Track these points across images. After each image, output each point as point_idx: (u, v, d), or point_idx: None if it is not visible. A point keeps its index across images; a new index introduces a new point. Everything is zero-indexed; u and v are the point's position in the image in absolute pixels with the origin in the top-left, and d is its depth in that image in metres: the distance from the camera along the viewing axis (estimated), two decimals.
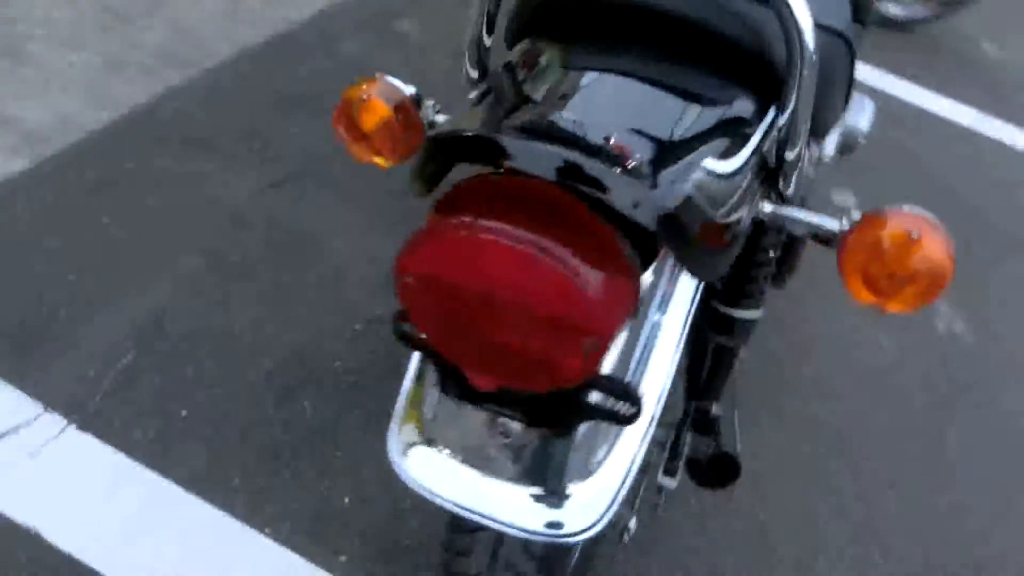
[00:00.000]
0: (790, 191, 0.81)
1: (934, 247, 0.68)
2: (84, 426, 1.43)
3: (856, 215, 0.72)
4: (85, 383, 1.49)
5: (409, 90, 0.82)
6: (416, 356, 0.78)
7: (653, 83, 0.75)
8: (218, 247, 1.81)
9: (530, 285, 0.58)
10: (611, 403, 0.67)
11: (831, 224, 0.74)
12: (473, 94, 0.84)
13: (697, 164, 0.67)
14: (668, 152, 0.68)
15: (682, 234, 0.61)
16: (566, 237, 0.58)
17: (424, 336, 0.68)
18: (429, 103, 0.84)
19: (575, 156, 0.59)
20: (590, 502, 0.70)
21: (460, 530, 0.87)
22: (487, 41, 0.81)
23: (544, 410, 0.69)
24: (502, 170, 0.62)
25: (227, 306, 1.69)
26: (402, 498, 1.41)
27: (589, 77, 0.74)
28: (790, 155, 0.77)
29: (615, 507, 0.71)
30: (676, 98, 0.75)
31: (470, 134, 0.62)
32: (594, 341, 0.59)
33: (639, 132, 0.68)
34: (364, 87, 0.81)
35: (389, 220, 1.96)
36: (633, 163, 0.63)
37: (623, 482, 0.71)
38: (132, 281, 1.69)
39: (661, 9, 0.78)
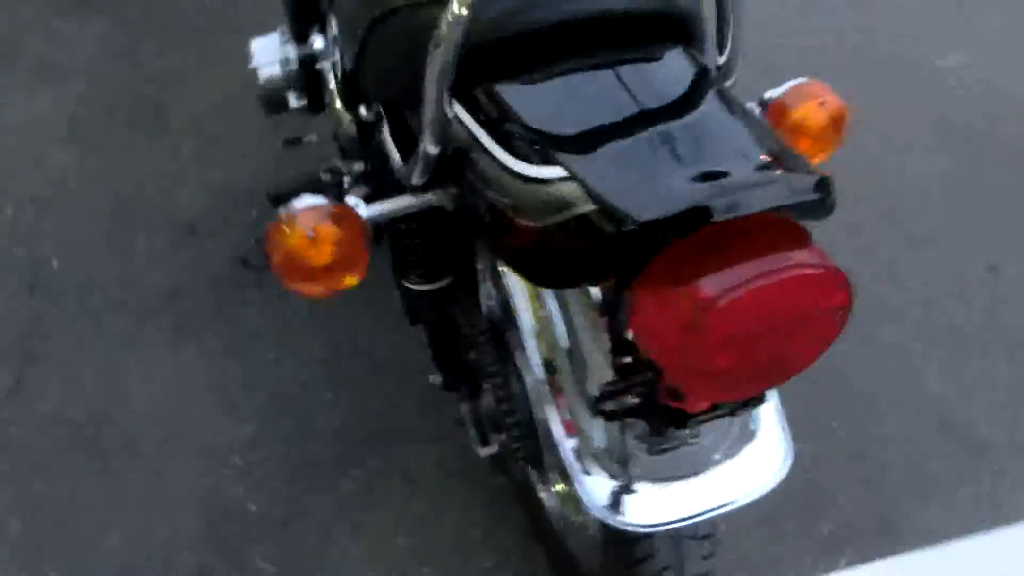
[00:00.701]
0: None
1: None
2: None
3: None
4: None
5: (324, 200, 0.80)
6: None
7: (639, 72, 0.74)
8: None
9: (813, 295, 0.59)
10: None
11: None
12: (415, 176, 0.79)
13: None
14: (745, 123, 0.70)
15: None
16: (788, 244, 0.59)
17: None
18: (352, 200, 0.82)
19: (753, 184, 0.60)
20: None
21: (633, 539, 0.88)
22: (449, 112, 0.74)
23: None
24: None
25: None
26: None
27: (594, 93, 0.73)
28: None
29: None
30: (666, 76, 0.75)
31: (682, 209, 0.57)
32: (847, 310, 0.61)
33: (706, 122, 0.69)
34: (295, 227, 0.78)
35: None
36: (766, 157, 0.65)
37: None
38: None
39: (588, 15, 0.76)
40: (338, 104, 1.17)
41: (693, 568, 0.91)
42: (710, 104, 0.71)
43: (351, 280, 0.81)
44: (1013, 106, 2.18)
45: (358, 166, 1.24)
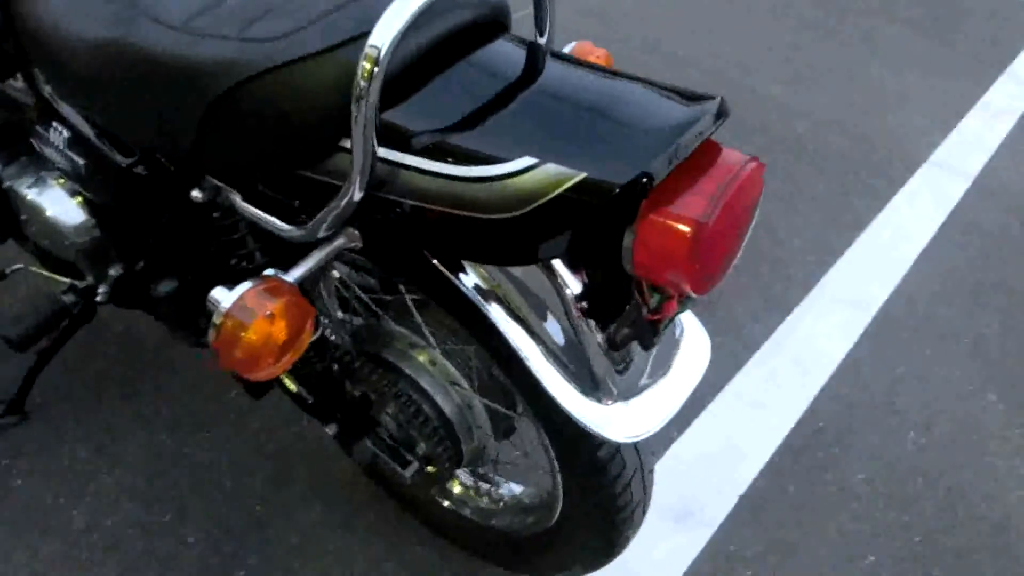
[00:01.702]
0: None
1: None
2: None
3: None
4: None
5: (248, 282, 0.79)
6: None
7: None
8: None
9: (755, 183, 0.73)
10: None
11: None
12: (324, 228, 0.81)
13: None
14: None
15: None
16: (719, 156, 0.73)
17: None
18: (269, 272, 0.81)
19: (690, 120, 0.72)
20: None
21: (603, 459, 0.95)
22: (379, 152, 0.76)
23: None
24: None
25: None
26: None
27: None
28: None
29: None
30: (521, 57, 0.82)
31: (649, 166, 0.69)
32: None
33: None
34: (251, 315, 0.76)
35: None
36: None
37: None
38: None
39: (447, 32, 0.81)
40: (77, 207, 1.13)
41: (649, 463, 1.03)
42: (568, 71, 0.79)
43: (307, 339, 0.82)
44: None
45: (114, 270, 1.21)
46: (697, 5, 3.41)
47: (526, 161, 0.70)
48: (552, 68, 0.79)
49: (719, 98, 0.74)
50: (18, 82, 1.16)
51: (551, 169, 0.69)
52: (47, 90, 1.10)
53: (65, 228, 1.17)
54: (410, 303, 1.04)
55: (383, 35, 0.66)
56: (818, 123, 2.60)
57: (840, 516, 1.47)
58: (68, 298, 1.30)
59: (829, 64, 3.00)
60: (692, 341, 0.92)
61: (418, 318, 1.04)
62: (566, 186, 0.69)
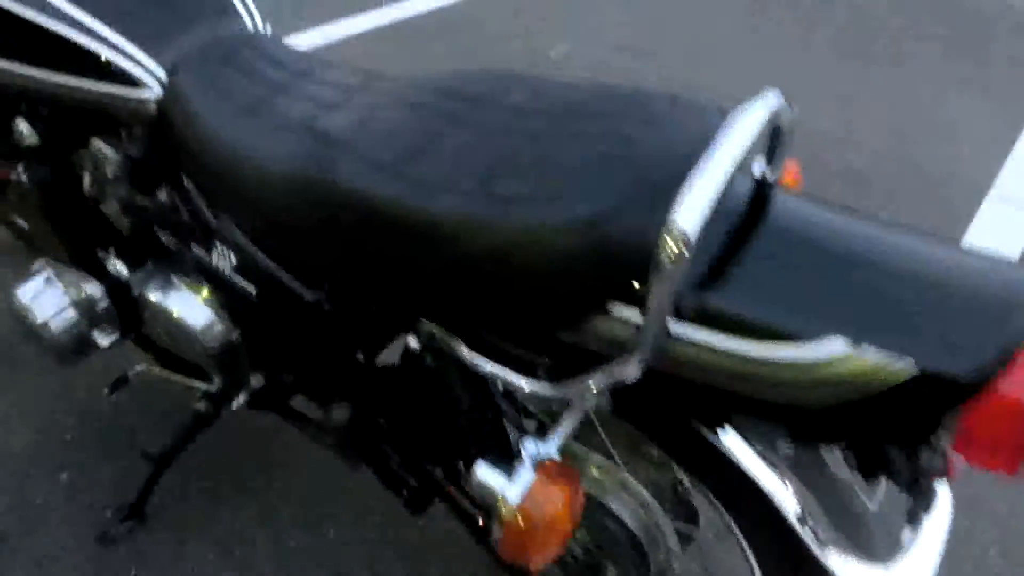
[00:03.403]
0: None
1: None
2: None
3: None
4: None
5: (528, 468, 0.76)
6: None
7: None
8: None
9: None
10: None
11: None
12: (594, 398, 0.78)
13: None
14: None
15: None
16: None
17: None
18: (530, 446, 0.79)
19: None
20: None
21: None
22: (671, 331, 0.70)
23: None
24: None
25: None
26: None
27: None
28: None
29: None
30: None
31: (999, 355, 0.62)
32: None
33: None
34: (543, 507, 0.74)
35: None
36: None
37: None
38: None
39: None
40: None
41: None
42: (848, 225, 0.73)
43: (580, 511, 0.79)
44: None
45: (256, 380, 1.17)
46: (725, 37, 3.39)
47: (837, 345, 0.64)
48: (823, 220, 0.71)
49: None
50: (161, 194, 1.12)
51: (870, 356, 0.63)
52: (204, 208, 1.05)
53: (201, 335, 1.12)
54: (593, 417, 1.01)
55: (689, 217, 0.60)
56: (874, 155, 2.60)
57: None
58: (203, 406, 1.26)
59: (870, 90, 3.00)
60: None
61: (603, 435, 1.00)
62: (889, 376, 0.62)
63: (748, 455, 0.79)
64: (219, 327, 1.13)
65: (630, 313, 0.70)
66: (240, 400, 1.20)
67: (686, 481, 0.96)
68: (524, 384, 0.80)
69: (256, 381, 1.19)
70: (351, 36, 3.15)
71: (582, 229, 0.67)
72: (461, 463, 1.03)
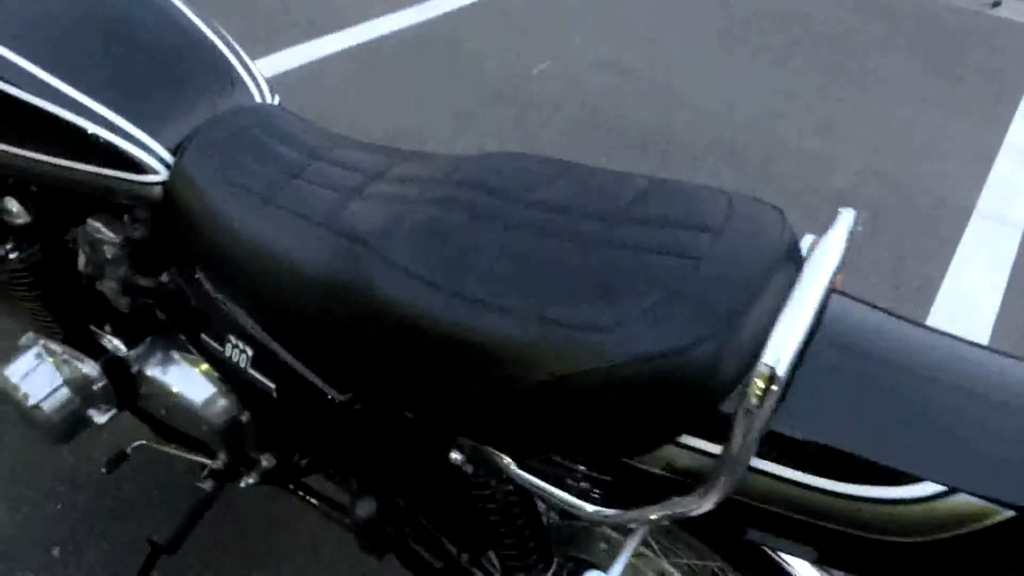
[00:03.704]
0: None
1: None
2: None
3: None
4: None
5: None
6: None
7: None
8: None
9: None
10: None
11: None
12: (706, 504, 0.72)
13: None
14: None
15: None
16: None
17: None
18: None
19: None
20: None
21: None
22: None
23: None
24: None
25: None
26: None
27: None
28: None
29: None
30: None
31: None
32: None
33: None
34: None
35: None
36: None
37: None
38: None
39: None
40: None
41: None
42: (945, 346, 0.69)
43: None
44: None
45: (266, 460, 1.13)
46: (703, 57, 3.39)
47: (932, 488, 0.60)
48: (886, 328, 0.68)
49: None
50: (164, 276, 1.06)
51: (968, 500, 0.59)
52: (215, 295, 0.99)
53: (203, 411, 1.07)
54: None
55: (781, 356, 0.57)
56: (857, 175, 2.61)
57: None
58: (209, 485, 1.20)
59: (848, 108, 3.03)
60: None
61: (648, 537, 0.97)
62: (990, 522, 0.59)
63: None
64: (222, 402, 1.08)
65: (702, 443, 0.66)
66: (250, 480, 1.15)
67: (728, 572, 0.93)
68: (586, 507, 0.75)
69: (267, 461, 1.14)
70: (329, 55, 3.07)
71: (650, 363, 0.63)
72: (493, 554, 0.99)
